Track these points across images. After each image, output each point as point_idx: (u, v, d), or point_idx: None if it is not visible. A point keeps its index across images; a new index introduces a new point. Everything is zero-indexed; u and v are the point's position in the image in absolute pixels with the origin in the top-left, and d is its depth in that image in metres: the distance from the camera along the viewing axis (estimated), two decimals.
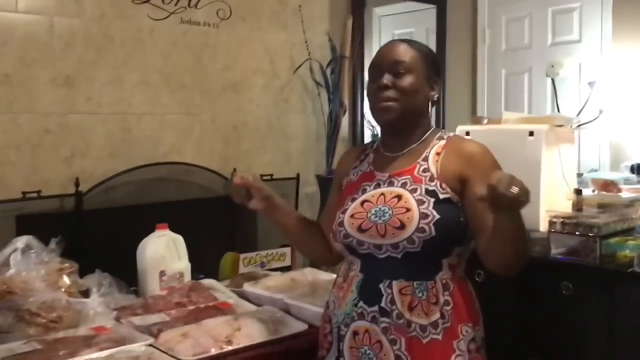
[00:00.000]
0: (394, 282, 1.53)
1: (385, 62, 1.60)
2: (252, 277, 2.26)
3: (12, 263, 1.88)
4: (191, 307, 1.96)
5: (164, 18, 2.60)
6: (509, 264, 1.50)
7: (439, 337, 1.50)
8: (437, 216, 1.49)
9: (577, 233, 2.00)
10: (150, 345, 1.69)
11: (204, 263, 2.31)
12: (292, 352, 1.78)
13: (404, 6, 3.79)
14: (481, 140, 1.64)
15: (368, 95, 1.64)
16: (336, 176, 1.80)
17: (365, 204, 1.58)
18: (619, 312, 1.90)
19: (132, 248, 2.14)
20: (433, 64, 1.65)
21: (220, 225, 2.67)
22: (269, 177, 2.83)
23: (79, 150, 2.41)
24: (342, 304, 1.60)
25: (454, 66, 3.82)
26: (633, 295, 1.87)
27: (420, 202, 1.51)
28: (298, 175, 3.00)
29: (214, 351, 1.68)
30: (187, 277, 2.19)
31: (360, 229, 1.56)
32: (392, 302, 1.52)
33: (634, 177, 2.67)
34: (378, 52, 1.66)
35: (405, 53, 1.60)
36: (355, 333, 1.56)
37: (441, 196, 1.52)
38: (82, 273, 2.01)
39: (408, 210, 1.51)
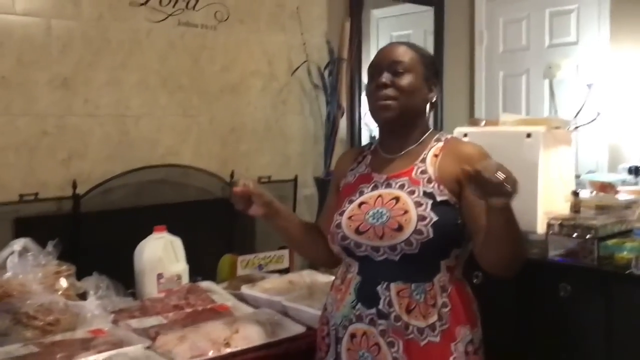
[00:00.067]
0: (392, 285, 1.52)
1: (385, 61, 1.61)
2: (250, 280, 2.25)
3: (9, 266, 1.88)
4: (189, 310, 1.96)
5: (162, 20, 2.60)
6: (505, 264, 1.50)
7: (437, 339, 1.50)
8: (435, 218, 1.49)
9: (575, 235, 2.00)
10: (147, 348, 1.69)
11: (201, 265, 2.30)
12: (290, 355, 1.77)
13: (401, 8, 3.79)
14: (479, 141, 1.65)
15: (367, 95, 1.65)
16: (334, 177, 1.80)
17: (363, 206, 1.58)
18: (617, 314, 1.90)
19: (129, 250, 2.14)
20: (432, 66, 1.66)
21: (218, 227, 2.66)
22: (267, 179, 2.83)
23: (77, 153, 2.40)
24: (340, 306, 1.59)
25: (452, 68, 3.82)
26: (631, 296, 1.87)
27: (418, 204, 1.51)
28: (296, 177, 3.00)
29: (211, 354, 1.68)
30: (185, 279, 2.18)
31: (357, 231, 1.56)
32: (390, 304, 1.52)
33: (631, 178, 2.67)
34: (377, 53, 1.67)
35: (404, 54, 1.61)
36: (353, 335, 1.56)
37: (439, 198, 1.52)
38: (80, 276, 2.00)
39: (406, 212, 1.51)
